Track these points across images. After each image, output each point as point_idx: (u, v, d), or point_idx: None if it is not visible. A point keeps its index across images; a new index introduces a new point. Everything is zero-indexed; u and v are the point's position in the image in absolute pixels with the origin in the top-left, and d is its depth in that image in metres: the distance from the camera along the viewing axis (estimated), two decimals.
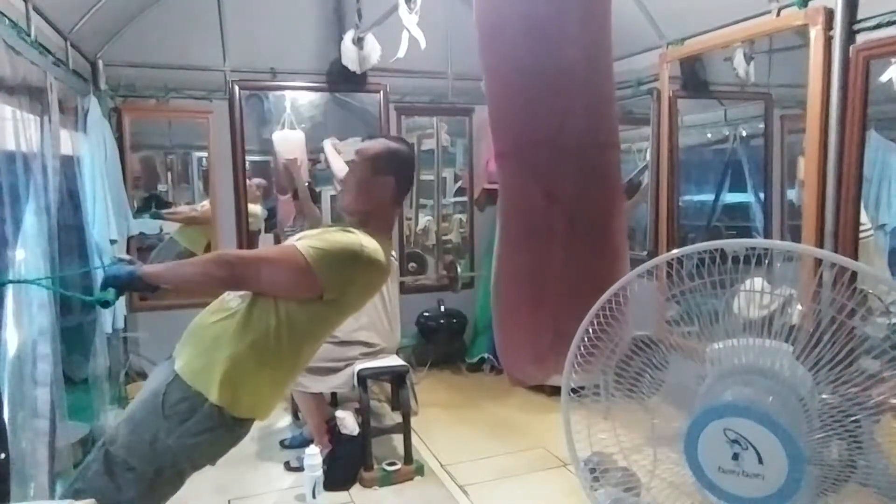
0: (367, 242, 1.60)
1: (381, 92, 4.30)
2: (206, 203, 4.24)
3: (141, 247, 3.93)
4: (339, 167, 3.42)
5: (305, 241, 1.57)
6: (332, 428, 2.96)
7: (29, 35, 2.32)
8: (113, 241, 3.08)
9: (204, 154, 4.22)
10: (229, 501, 2.73)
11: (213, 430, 1.53)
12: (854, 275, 1.30)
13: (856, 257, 2.44)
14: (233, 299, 1.61)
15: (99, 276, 1.61)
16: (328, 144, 3.84)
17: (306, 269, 1.52)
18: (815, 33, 2.51)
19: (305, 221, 4.53)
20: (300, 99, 4.49)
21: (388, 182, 1.72)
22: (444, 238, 4.84)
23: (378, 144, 1.77)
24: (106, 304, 1.55)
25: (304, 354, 1.68)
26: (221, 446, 1.61)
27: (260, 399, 1.62)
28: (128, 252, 1.62)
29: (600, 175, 2.01)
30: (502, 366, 2.25)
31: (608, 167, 2.06)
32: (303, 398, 3.05)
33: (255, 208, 4.31)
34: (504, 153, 2.02)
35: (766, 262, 1.38)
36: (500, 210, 2.10)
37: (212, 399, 1.50)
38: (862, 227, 2.50)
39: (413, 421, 3.12)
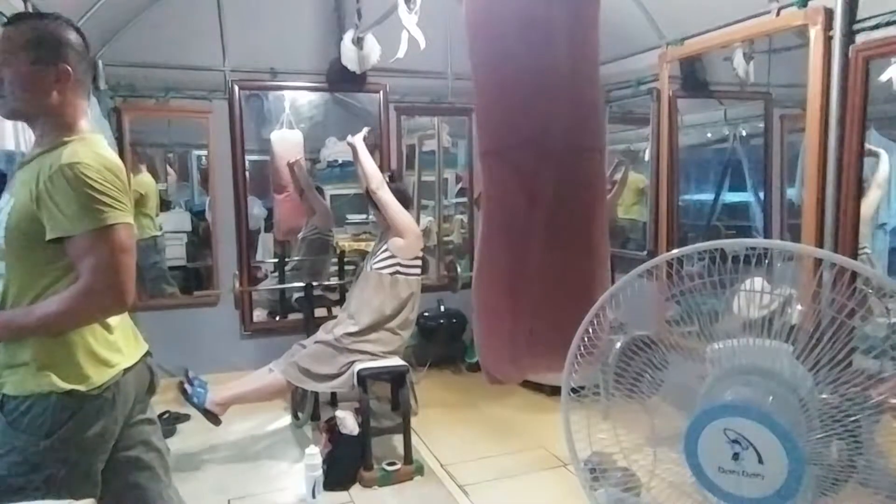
0: (81, 155, 1.39)
1: (381, 92, 4.30)
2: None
3: None
4: (374, 172, 3.13)
5: (77, 221, 1.37)
6: (332, 427, 2.96)
7: None
8: None
9: (203, 152, 4.23)
10: (229, 501, 2.73)
11: (75, 414, 1.43)
12: (854, 275, 1.30)
13: (855, 257, 2.44)
14: None
15: None
16: (360, 141, 3.23)
17: (120, 227, 1.40)
18: (815, 33, 2.51)
19: (316, 216, 4.56)
20: (300, 99, 4.50)
21: (63, 71, 1.44)
22: (446, 239, 4.84)
23: (34, 27, 1.45)
24: None
25: None
26: (98, 420, 1.47)
27: (99, 358, 1.48)
28: None
29: (583, 178, 2.01)
30: (480, 364, 2.25)
31: (591, 171, 2.05)
32: (285, 385, 3.06)
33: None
34: (488, 153, 2.02)
35: (766, 261, 1.38)
36: (483, 209, 2.10)
37: (55, 390, 1.41)
38: (861, 249, 2.50)
39: (413, 421, 3.13)
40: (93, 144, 1.47)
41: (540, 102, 1.90)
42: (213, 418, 2.91)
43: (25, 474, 1.42)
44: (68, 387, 1.42)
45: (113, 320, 1.52)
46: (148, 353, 1.65)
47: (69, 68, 1.46)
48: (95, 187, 1.38)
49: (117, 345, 1.53)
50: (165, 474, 1.68)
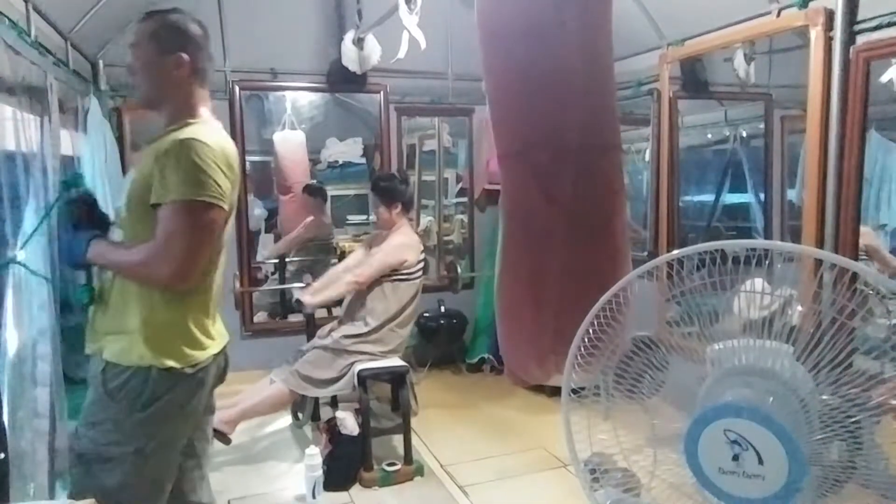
0: (200, 135, 1.48)
1: (382, 92, 4.30)
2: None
3: None
4: (341, 290, 3.12)
5: (165, 188, 1.44)
6: (332, 428, 2.96)
7: (29, 35, 2.32)
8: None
9: None
10: (229, 501, 2.73)
11: (171, 388, 1.49)
12: (854, 276, 1.30)
13: (856, 257, 2.44)
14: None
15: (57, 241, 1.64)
16: (310, 297, 3.17)
17: (206, 206, 1.44)
18: (816, 34, 2.51)
19: (314, 227, 4.57)
20: (300, 99, 4.50)
21: (180, 60, 1.55)
22: (446, 239, 4.84)
23: (158, 20, 1.58)
24: (86, 305, 1.56)
25: (213, 273, 1.62)
26: (189, 395, 1.55)
27: (198, 339, 1.55)
28: None
29: (601, 177, 2.01)
30: (504, 366, 2.25)
31: (609, 169, 2.06)
32: (288, 394, 3.06)
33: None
34: (506, 154, 2.02)
35: (767, 262, 1.37)
36: (502, 211, 2.11)
37: (156, 365, 1.47)
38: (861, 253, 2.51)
39: (413, 421, 3.13)
40: (211, 129, 1.55)
41: (555, 102, 1.91)
42: (223, 437, 2.89)
43: (117, 444, 1.47)
44: (168, 363, 1.48)
45: (213, 307, 1.61)
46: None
47: (188, 57, 1.56)
48: (199, 164, 1.44)
49: (210, 330, 1.61)
50: (206, 465, 1.73)
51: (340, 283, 3.12)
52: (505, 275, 2.11)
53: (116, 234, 1.61)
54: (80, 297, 1.59)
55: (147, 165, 1.50)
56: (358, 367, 2.98)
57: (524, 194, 1.99)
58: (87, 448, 1.49)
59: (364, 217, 4.88)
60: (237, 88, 4.01)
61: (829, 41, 2.48)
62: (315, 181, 4.65)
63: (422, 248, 3.28)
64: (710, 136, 3.81)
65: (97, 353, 1.52)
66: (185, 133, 1.48)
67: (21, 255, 2.07)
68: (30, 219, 2.14)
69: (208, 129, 1.53)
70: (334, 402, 3.63)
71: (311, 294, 3.20)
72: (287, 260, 4.48)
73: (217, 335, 1.64)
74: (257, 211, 4.60)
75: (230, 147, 1.54)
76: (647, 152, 3.72)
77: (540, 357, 2.08)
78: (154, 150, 1.50)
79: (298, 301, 3.13)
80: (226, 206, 1.50)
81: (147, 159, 1.51)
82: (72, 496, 1.51)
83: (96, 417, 1.50)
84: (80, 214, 1.60)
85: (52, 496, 2.06)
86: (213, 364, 1.61)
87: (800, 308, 1.45)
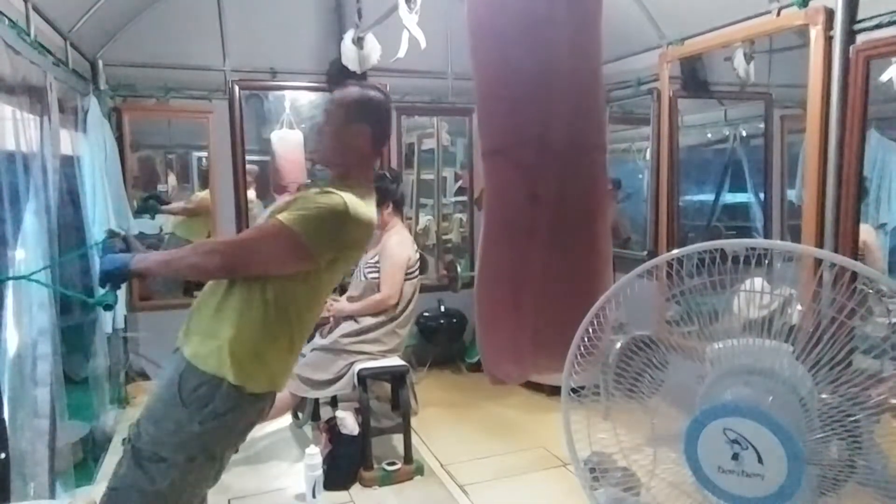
0: (349, 199, 1.58)
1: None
2: (199, 194, 4.26)
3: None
4: (368, 306, 3.16)
5: (288, 213, 1.54)
6: (332, 427, 2.97)
7: (29, 35, 2.32)
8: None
9: (204, 154, 4.22)
10: (229, 501, 2.74)
11: (234, 409, 1.53)
12: (854, 275, 1.30)
13: (855, 257, 2.44)
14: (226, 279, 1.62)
15: (95, 260, 1.66)
16: (339, 308, 3.25)
17: (296, 241, 1.52)
18: (816, 33, 2.51)
19: None
20: (300, 99, 4.49)
21: (363, 130, 1.70)
22: (445, 238, 4.84)
23: (352, 92, 1.75)
24: (108, 307, 1.57)
25: (306, 321, 1.68)
26: (246, 422, 1.61)
27: (273, 372, 1.62)
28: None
29: (585, 177, 2.00)
30: (482, 364, 2.24)
31: (594, 169, 2.04)
32: (289, 398, 3.05)
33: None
34: (489, 152, 2.01)
35: (766, 262, 1.37)
36: (485, 208, 2.09)
37: (229, 379, 1.51)
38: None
39: (413, 420, 3.13)
40: (359, 196, 1.64)
41: (542, 101, 1.89)
42: None
43: (172, 445, 1.51)
44: (240, 382, 1.52)
45: (299, 349, 1.70)
46: None
47: (369, 129, 1.71)
48: (321, 213, 1.54)
49: (285, 374, 1.69)
50: (215, 483, 1.74)
51: (370, 303, 3.13)
52: (484, 272, 2.10)
53: None
54: (101, 300, 1.62)
55: (295, 197, 1.63)
56: (357, 366, 2.98)
57: (507, 192, 1.97)
58: (146, 444, 1.51)
59: None
60: (237, 88, 4.01)
61: (828, 40, 2.48)
62: (308, 181, 4.64)
63: (415, 246, 3.29)
64: (709, 135, 3.81)
65: (181, 348, 1.57)
66: (338, 189, 1.60)
67: (20, 255, 2.07)
68: (30, 218, 2.14)
69: (355, 196, 1.62)
70: (334, 402, 3.62)
71: (338, 309, 3.23)
72: None
73: (287, 380, 1.71)
74: (256, 210, 4.59)
75: (363, 215, 1.62)
76: (647, 152, 3.72)
77: (517, 357, 2.07)
78: (311, 190, 1.65)
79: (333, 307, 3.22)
80: (315, 256, 1.55)
81: (299, 193, 1.66)
82: (109, 488, 1.53)
83: (161, 415, 1.52)
84: (121, 246, 1.66)
85: (52, 495, 2.07)
86: (271, 395, 1.67)
87: (799, 307, 1.45)
